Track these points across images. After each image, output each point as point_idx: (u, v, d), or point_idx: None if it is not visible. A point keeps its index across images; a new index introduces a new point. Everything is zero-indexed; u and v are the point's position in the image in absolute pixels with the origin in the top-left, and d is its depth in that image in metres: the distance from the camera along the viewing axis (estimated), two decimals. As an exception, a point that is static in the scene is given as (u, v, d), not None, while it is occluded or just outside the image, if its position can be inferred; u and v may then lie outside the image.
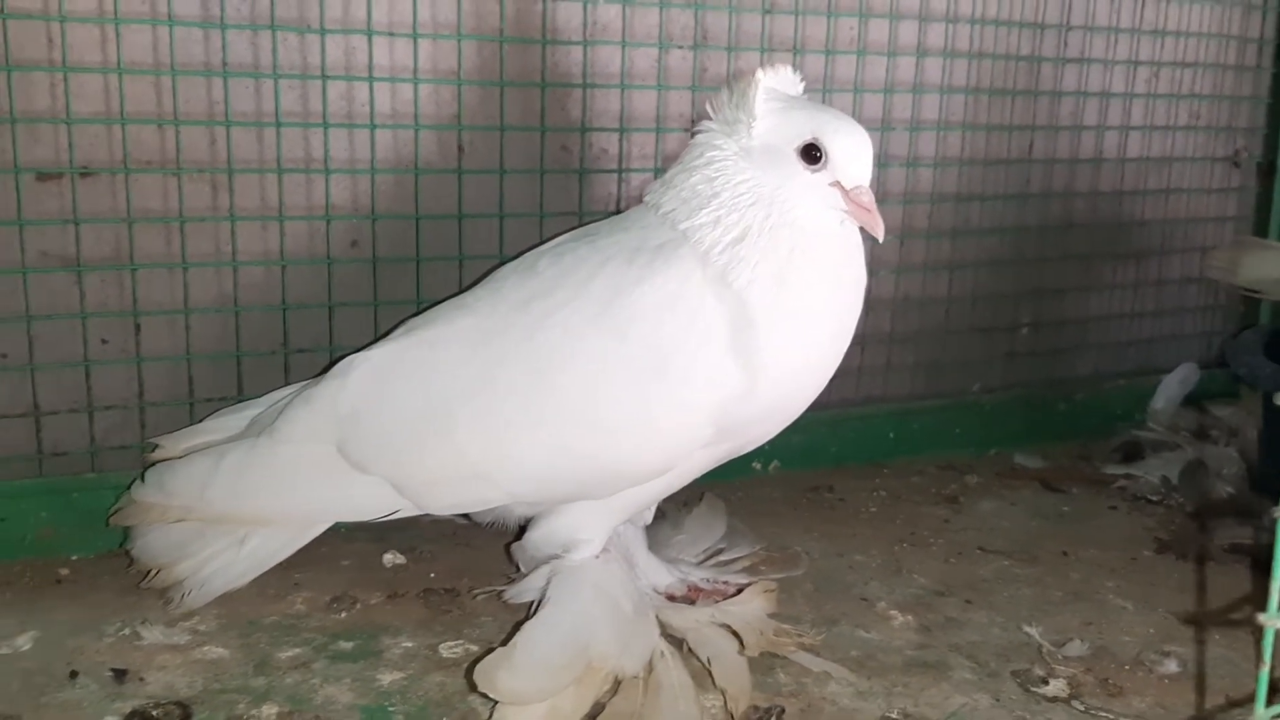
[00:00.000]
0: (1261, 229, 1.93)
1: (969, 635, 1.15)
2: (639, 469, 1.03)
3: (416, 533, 1.30)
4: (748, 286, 0.97)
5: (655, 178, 1.32)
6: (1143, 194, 1.83)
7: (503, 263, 1.15)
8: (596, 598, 1.03)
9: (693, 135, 1.06)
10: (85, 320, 1.22)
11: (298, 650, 1.07)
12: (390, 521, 1.11)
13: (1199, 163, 1.89)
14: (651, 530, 1.20)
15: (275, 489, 1.09)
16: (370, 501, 1.08)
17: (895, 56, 1.55)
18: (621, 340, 0.98)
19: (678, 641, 1.06)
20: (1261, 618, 0.67)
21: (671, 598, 1.13)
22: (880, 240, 1.01)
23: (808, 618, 1.16)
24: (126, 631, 1.08)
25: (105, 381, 1.24)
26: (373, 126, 1.29)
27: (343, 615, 1.14)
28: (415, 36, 1.28)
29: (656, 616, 1.07)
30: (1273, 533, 0.66)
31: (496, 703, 0.94)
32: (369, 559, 1.25)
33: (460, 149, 1.34)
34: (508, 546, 1.17)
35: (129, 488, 1.14)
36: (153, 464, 1.13)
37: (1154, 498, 1.54)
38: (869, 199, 0.99)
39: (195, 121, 1.22)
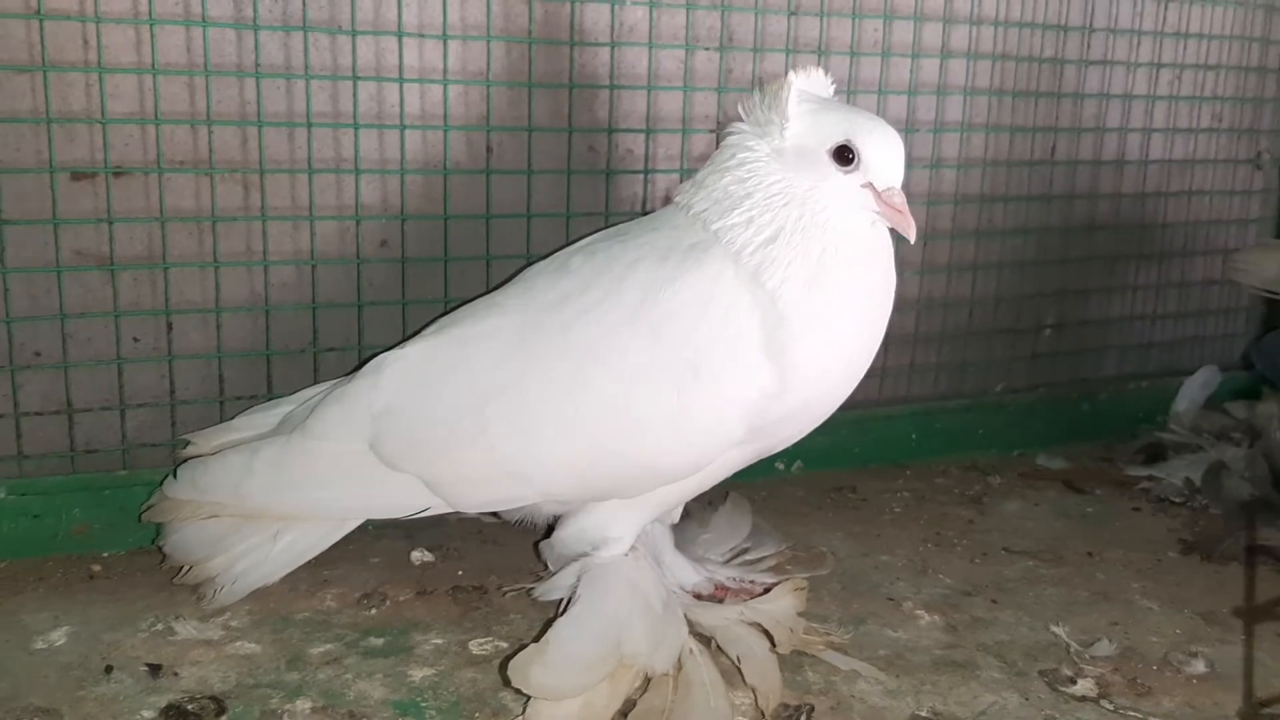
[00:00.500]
0: (1283, 231, 1.93)
1: (996, 635, 1.15)
2: (672, 467, 1.04)
3: (444, 531, 1.31)
4: (780, 286, 0.98)
5: (681, 179, 1.34)
6: (1165, 196, 1.83)
7: (531, 262, 1.16)
8: (628, 595, 1.04)
9: (723, 137, 1.07)
10: (118, 319, 1.23)
11: (329, 646, 1.08)
12: (418, 520, 1.11)
13: (1221, 165, 1.89)
14: (678, 529, 1.20)
15: (307, 486, 1.09)
16: (402, 499, 1.09)
17: (919, 58, 1.55)
18: (656, 339, 0.99)
19: (706, 639, 1.06)
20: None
21: (698, 596, 1.14)
22: (912, 241, 1.01)
23: (835, 617, 1.16)
24: (160, 627, 1.09)
25: (137, 379, 1.25)
26: (403, 127, 1.30)
27: (373, 612, 1.14)
28: (445, 38, 1.29)
29: (685, 615, 1.07)
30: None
31: (530, 698, 0.95)
32: (397, 556, 1.26)
33: (489, 149, 1.35)
34: (535, 544, 1.18)
35: (161, 484, 1.15)
36: (185, 461, 1.14)
37: (1177, 499, 1.54)
38: (901, 200, 1.00)
39: (228, 121, 1.23)
